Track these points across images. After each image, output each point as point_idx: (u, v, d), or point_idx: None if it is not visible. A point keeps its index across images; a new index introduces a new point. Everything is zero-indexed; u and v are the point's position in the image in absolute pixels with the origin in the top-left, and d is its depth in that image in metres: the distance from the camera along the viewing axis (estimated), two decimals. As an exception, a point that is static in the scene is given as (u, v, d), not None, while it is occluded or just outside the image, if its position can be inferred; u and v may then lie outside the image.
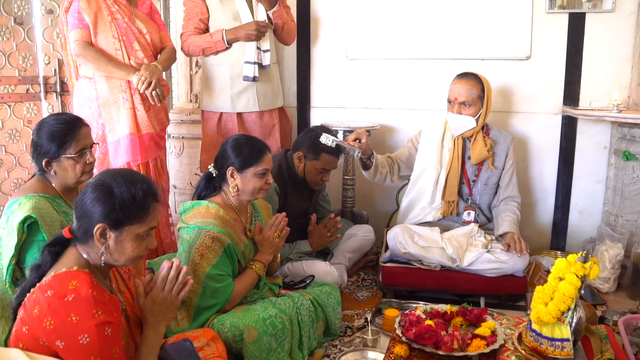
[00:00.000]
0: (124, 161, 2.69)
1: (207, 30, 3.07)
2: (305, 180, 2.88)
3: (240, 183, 2.23)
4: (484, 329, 1.83)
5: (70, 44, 2.66)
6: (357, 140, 2.69)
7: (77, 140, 1.97)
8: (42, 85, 3.13)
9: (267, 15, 3.04)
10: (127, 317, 1.53)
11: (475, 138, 2.85)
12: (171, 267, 1.59)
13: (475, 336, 1.80)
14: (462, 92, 2.78)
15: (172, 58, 2.89)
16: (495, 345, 1.76)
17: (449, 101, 2.84)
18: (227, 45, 3.00)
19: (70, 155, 1.95)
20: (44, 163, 1.95)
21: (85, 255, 1.44)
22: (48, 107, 3.17)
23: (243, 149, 2.23)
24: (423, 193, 2.91)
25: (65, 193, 2.01)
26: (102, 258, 1.43)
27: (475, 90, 2.79)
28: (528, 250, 2.64)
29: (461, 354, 1.73)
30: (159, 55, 2.82)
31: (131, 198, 1.42)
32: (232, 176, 2.23)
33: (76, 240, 1.46)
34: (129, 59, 2.67)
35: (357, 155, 2.74)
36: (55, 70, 3.15)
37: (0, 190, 3.05)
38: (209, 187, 2.32)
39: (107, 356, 1.32)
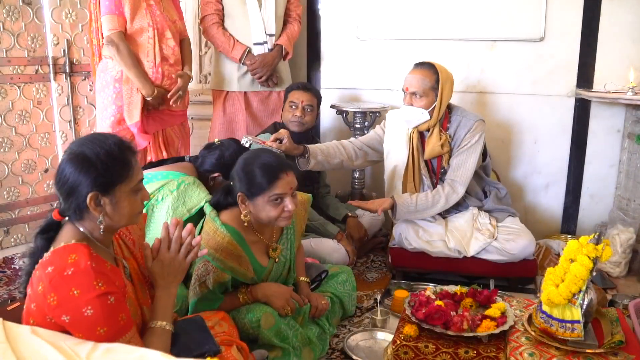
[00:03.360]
0: (140, 146, 2.76)
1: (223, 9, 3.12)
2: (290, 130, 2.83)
3: (253, 210, 1.95)
4: (494, 310, 1.82)
5: (105, 29, 2.65)
6: (279, 141, 2.56)
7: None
8: (51, 66, 3.12)
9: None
10: (133, 284, 1.53)
11: (432, 132, 2.67)
12: (175, 227, 1.57)
13: (485, 317, 1.79)
14: (412, 82, 2.61)
15: (191, 52, 2.99)
16: (505, 327, 1.75)
17: (402, 91, 2.68)
18: (240, 63, 3.11)
19: None
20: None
21: (82, 229, 1.41)
22: (57, 87, 3.16)
23: (253, 172, 1.92)
24: (387, 183, 2.87)
25: None
26: (102, 226, 1.40)
27: (427, 80, 2.59)
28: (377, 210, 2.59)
29: (471, 334, 1.72)
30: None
31: (109, 157, 1.39)
32: (242, 202, 1.95)
33: (69, 219, 1.43)
34: (160, 48, 2.71)
35: (280, 154, 2.64)
36: (64, 50, 3.14)
37: (11, 171, 3.06)
38: (227, 198, 2.04)
39: (114, 324, 1.32)
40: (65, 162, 1.40)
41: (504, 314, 1.81)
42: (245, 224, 1.99)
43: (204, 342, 1.57)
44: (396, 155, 2.77)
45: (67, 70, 3.17)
